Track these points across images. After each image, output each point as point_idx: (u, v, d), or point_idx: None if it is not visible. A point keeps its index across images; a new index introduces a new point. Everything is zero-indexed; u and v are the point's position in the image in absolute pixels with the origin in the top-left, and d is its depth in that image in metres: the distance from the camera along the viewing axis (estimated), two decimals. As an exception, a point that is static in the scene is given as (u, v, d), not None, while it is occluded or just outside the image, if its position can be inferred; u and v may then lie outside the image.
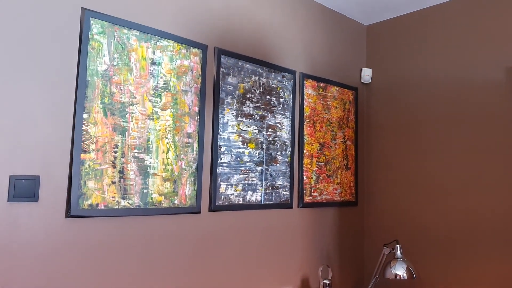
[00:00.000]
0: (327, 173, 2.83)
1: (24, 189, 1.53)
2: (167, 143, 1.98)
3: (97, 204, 1.73)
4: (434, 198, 2.72)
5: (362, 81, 3.17)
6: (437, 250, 2.67)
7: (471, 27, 2.66)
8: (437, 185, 2.72)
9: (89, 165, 1.72)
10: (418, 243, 2.76)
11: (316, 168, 2.76)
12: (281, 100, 2.57)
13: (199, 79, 2.13)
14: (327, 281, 2.42)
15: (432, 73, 2.82)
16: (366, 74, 3.15)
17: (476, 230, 2.51)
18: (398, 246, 2.46)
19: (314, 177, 2.74)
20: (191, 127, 2.08)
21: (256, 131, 2.41)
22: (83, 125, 1.71)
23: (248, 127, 2.37)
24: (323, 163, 2.81)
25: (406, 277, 2.35)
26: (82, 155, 1.70)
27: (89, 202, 1.71)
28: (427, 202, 2.75)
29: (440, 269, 2.64)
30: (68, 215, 1.65)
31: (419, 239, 2.76)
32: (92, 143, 1.73)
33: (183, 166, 2.03)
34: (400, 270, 2.37)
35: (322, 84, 2.85)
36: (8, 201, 1.52)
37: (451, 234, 2.62)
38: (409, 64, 2.95)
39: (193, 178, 2.07)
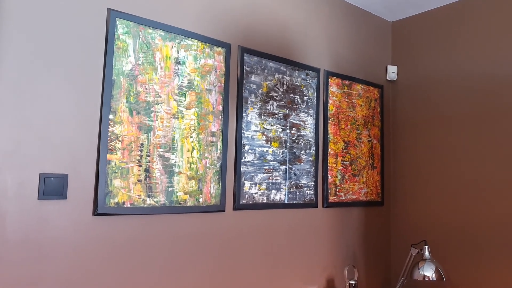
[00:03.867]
0: (352, 172, 2.79)
1: (53, 187, 1.56)
2: (192, 141, 1.99)
3: (123, 202, 1.75)
4: (463, 197, 2.64)
5: (387, 78, 3.11)
6: (467, 251, 2.59)
7: (500, 21, 2.57)
8: (466, 184, 2.64)
9: (115, 164, 1.74)
10: (447, 244, 2.68)
11: (341, 167, 2.72)
12: (305, 98, 2.55)
13: (223, 78, 2.13)
14: (353, 282, 2.38)
15: (460, 70, 2.75)
16: (392, 71, 3.10)
17: (508, 231, 2.43)
18: (426, 246, 2.40)
19: (339, 176, 2.70)
20: (215, 126, 2.08)
21: (280, 129, 2.39)
22: (109, 124, 1.73)
23: (271, 125, 2.35)
24: (348, 162, 2.77)
25: (435, 279, 2.29)
26: (108, 154, 1.72)
27: (116, 200, 1.73)
28: (456, 201, 2.68)
29: (470, 271, 2.56)
30: (95, 213, 1.67)
31: (447, 239, 2.69)
32: (118, 142, 1.75)
33: (208, 165, 2.04)
34: (428, 271, 2.31)
35: (346, 82, 2.81)
36: (38, 198, 1.55)
37: (481, 234, 2.53)
38: (436, 60, 2.88)
39: (217, 177, 2.07)
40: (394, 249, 2.99)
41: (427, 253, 2.39)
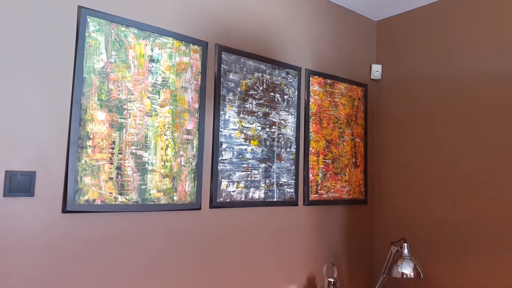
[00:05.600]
0: (334, 170, 2.79)
1: (20, 185, 1.56)
2: (166, 139, 1.99)
3: (94, 200, 1.75)
4: (446, 196, 2.64)
5: (371, 77, 3.11)
6: (449, 249, 2.59)
7: (483, 20, 2.57)
8: (448, 182, 2.64)
9: (85, 161, 1.74)
10: (430, 242, 2.68)
11: (322, 166, 2.72)
12: (286, 97, 2.55)
13: (199, 76, 2.13)
14: (331, 279, 2.38)
15: (444, 68, 2.75)
16: (376, 70, 3.10)
17: (486, 229, 2.43)
18: (405, 244, 2.40)
19: (320, 175, 2.70)
20: (191, 124, 2.08)
21: (259, 128, 2.39)
22: (80, 122, 1.73)
23: (250, 124, 2.35)
24: (330, 161, 2.77)
25: (412, 276, 2.29)
26: (78, 151, 1.72)
27: (86, 197, 1.73)
28: (439, 200, 2.67)
29: (450, 268, 2.56)
30: (65, 210, 1.67)
31: (431, 237, 2.68)
32: (89, 139, 1.76)
33: (183, 163, 2.04)
34: (406, 269, 2.31)
35: (329, 81, 2.81)
36: (4, 196, 1.55)
37: (462, 232, 2.53)
38: (421, 59, 2.88)
39: (193, 175, 2.07)
40: (378, 247, 2.98)
41: (406, 251, 2.39)
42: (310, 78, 2.70)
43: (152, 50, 1.97)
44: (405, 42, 2.98)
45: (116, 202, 1.81)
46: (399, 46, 3.01)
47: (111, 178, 1.80)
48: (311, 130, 2.67)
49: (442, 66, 2.75)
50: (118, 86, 1.85)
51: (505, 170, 2.39)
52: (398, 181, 2.91)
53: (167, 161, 1.98)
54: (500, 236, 2.37)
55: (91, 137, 1.76)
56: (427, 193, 2.74)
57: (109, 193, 1.79)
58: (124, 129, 1.86)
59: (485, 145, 2.49)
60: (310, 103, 2.68)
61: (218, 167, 2.19)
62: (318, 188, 2.68)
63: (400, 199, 2.88)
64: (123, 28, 1.88)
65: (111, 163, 1.81)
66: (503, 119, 2.43)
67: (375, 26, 3.18)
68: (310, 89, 2.69)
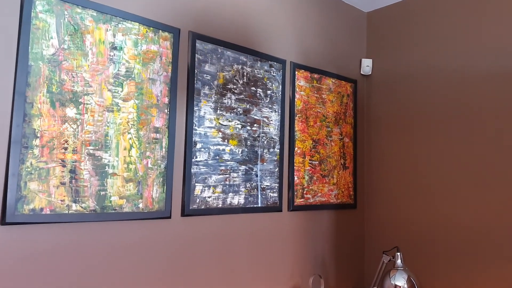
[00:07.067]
0: (321, 172, 2.57)
1: None
2: (130, 138, 1.74)
3: (42, 209, 1.50)
4: (442, 200, 2.45)
5: (361, 72, 2.91)
6: (443, 258, 2.39)
7: (477, 13, 2.39)
8: (445, 185, 2.44)
9: (31, 164, 1.48)
10: (426, 251, 2.48)
11: (309, 167, 2.50)
12: (269, 92, 2.32)
13: (170, 67, 1.89)
14: (318, 294, 2.17)
15: (438, 63, 2.55)
16: (366, 65, 2.89)
17: (486, 236, 2.24)
18: (398, 253, 2.20)
19: (306, 177, 2.48)
20: (159, 121, 1.84)
21: (239, 126, 2.16)
22: (24, 117, 1.48)
23: (229, 121, 2.12)
24: (317, 162, 2.55)
25: (407, 290, 2.09)
26: (22, 152, 1.47)
27: (31, 206, 1.48)
28: (435, 204, 2.48)
29: (447, 280, 2.36)
30: (3, 222, 1.42)
31: (426, 245, 2.48)
32: (36, 138, 1.50)
33: (149, 165, 1.79)
34: (400, 281, 2.11)
35: (316, 76, 2.60)
36: None
37: (460, 240, 2.34)
38: (414, 54, 2.68)
39: (161, 179, 1.83)
40: (368, 255, 2.78)
41: (399, 261, 2.19)
42: (296, 72, 2.48)
43: (114, 36, 1.72)
44: (397, 35, 2.78)
45: (70, 211, 1.56)
46: (391, 39, 2.81)
47: (63, 183, 1.55)
48: (296, 128, 2.45)
49: (436, 60, 2.55)
50: (73, 77, 1.60)
51: (504, 171, 2.20)
52: (390, 184, 2.71)
53: (131, 163, 1.74)
54: (501, 244, 2.18)
55: (38, 135, 1.51)
56: (422, 197, 2.53)
57: (61, 200, 1.54)
58: (80, 126, 1.61)
59: (483, 145, 2.30)
60: (296, 99, 2.46)
61: (192, 170, 1.95)
62: (304, 192, 2.46)
63: (393, 203, 2.68)
64: (78, 10, 1.63)
65: (64, 166, 1.56)
66: (501, 117, 2.23)
67: (365, 18, 2.98)
68: (296, 84, 2.47)
